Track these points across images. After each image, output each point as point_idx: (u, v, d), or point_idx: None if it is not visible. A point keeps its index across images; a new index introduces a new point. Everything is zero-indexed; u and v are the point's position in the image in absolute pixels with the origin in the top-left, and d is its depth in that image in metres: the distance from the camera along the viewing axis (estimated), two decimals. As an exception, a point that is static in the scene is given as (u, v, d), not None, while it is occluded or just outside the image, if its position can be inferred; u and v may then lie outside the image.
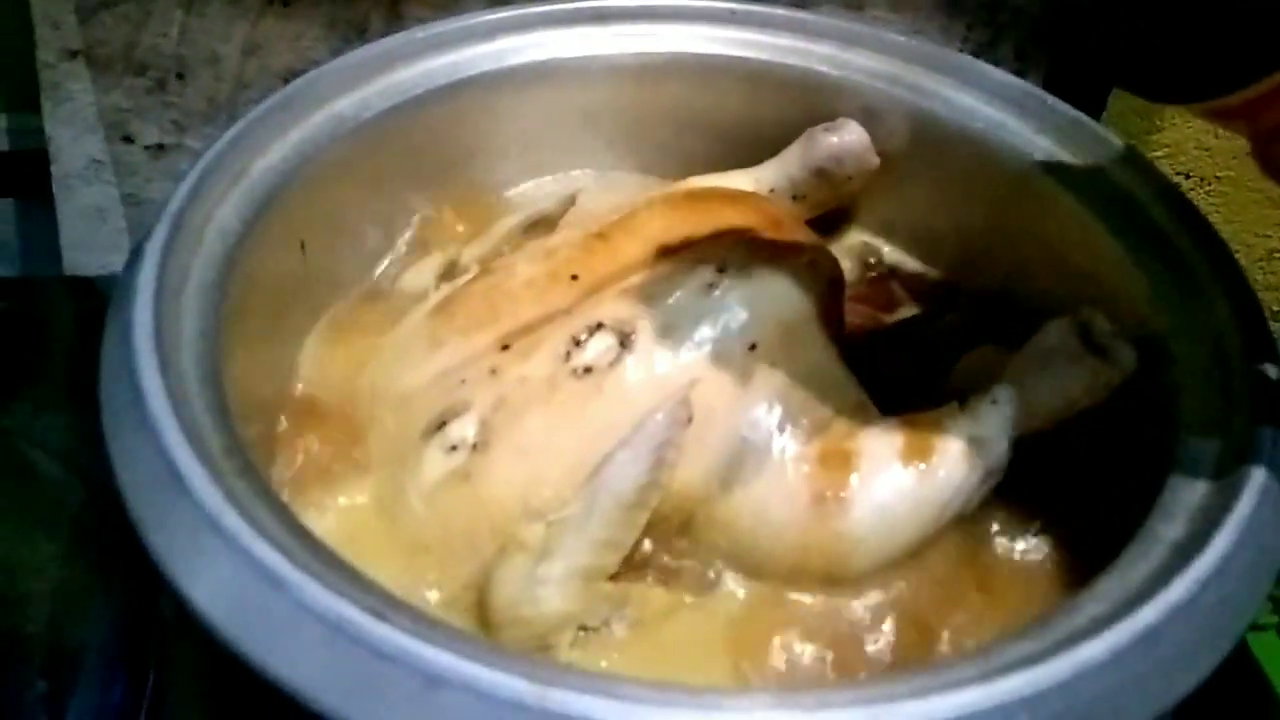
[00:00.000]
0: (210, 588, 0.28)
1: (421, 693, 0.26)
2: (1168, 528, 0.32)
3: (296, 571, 0.28)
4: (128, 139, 0.70)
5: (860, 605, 0.40)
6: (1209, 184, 0.83)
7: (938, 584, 0.40)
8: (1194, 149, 0.81)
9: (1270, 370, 0.37)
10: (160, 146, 0.71)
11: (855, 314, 0.52)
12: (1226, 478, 0.33)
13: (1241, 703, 0.81)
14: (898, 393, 0.47)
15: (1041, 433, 0.42)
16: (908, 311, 0.53)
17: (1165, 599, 0.29)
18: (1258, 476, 0.32)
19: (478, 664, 0.26)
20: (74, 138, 0.70)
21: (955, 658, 0.28)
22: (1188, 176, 0.83)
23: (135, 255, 0.38)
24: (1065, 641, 0.28)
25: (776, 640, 0.39)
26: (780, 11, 0.54)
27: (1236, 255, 0.87)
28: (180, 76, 0.68)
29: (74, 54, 0.67)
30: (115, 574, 0.49)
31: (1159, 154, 0.81)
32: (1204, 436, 0.35)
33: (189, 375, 0.35)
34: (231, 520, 0.29)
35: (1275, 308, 0.91)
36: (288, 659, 0.27)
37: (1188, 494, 0.33)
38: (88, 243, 0.73)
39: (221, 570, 0.29)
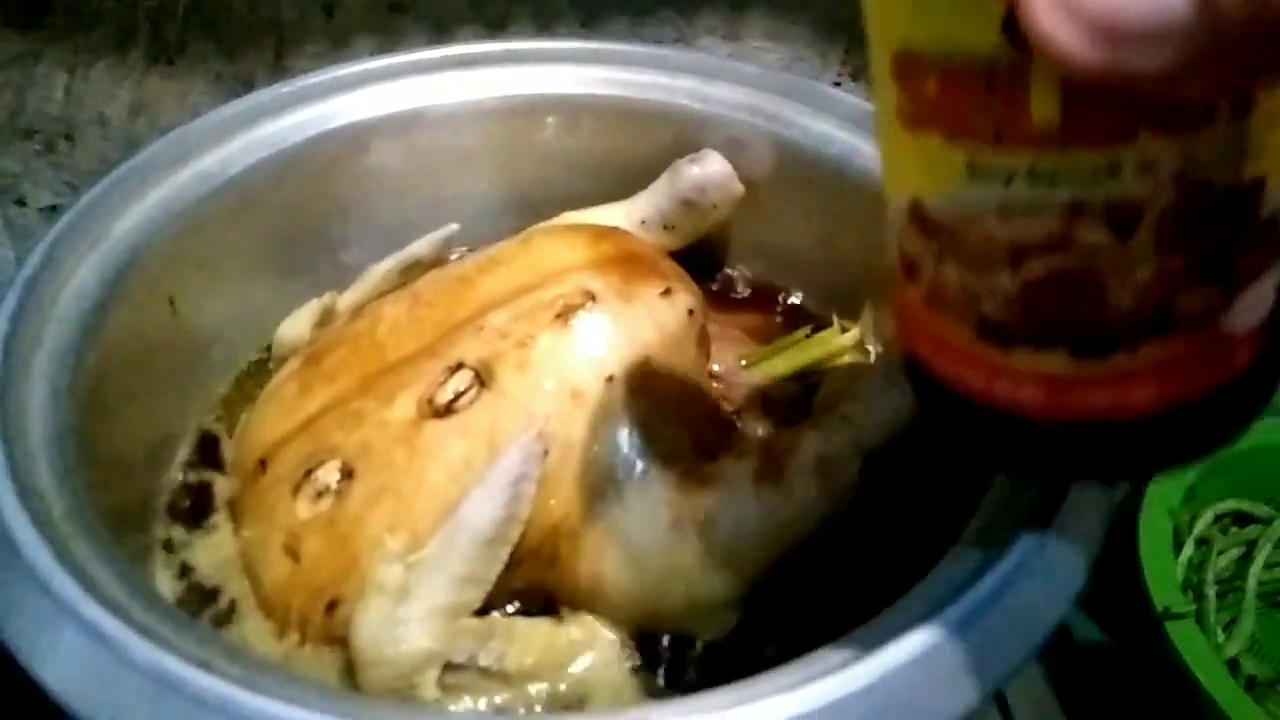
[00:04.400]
0: (41, 647, 0.29)
1: (243, 739, 0.27)
2: (985, 530, 0.34)
3: (123, 628, 0.28)
4: (20, 202, 0.71)
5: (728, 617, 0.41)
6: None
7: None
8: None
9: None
10: (54, 208, 0.71)
11: (728, 339, 0.53)
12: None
13: (1160, 689, 0.83)
14: (767, 414, 0.49)
15: (892, 445, 0.43)
16: (781, 334, 0.54)
17: (972, 597, 0.30)
18: (1067, 479, 0.34)
19: (297, 707, 0.27)
20: (-34, 204, 0.70)
21: (770, 670, 0.29)
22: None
23: (-14, 325, 0.39)
24: (873, 644, 0.29)
25: (649, 668, 0.40)
26: (642, 49, 0.56)
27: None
28: (69, 138, 0.68)
29: (-41, 122, 0.67)
30: None
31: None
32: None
33: (35, 439, 0.35)
34: (61, 581, 0.30)
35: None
36: (113, 713, 0.27)
37: (1006, 498, 0.35)
38: (-14, 308, 0.73)
39: (52, 630, 0.29)
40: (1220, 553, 0.95)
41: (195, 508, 0.45)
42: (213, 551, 0.43)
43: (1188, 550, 0.93)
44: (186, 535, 0.44)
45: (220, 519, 0.44)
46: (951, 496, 0.37)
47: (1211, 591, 0.92)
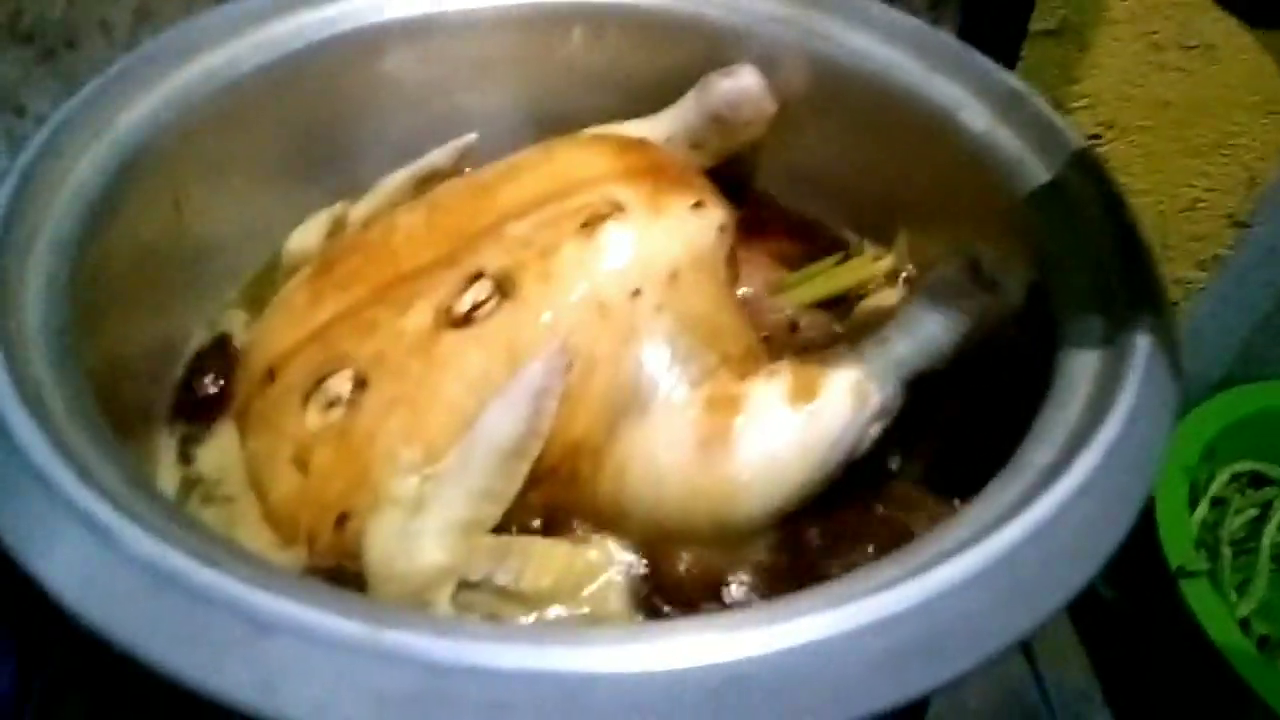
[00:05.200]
0: (37, 540, 0.27)
1: (251, 639, 0.25)
2: (1038, 453, 0.32)
3: (120, 519, 0.27)
4: (19, 111, 0.68)
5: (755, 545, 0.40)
6: (1130, 135, 0.83)
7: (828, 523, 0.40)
8: (1114, 99, 0.81)
9: (1148, 299, 0.36)
10: (54, 118, 0.68)
11: (756, 264, 0.51)
12: (1100, 402, 0.33)
13: (1174, 647, 0.82)
14: (798, 339, 0.47)
15: (935, 371, 0.41)
16: (810, 260, 0.52)
17: (1027, 520, 0.28)
18: (1125, 401, 0.32)
19: (309, 606, 0.25)
20: (-38, 111, 0.68)
21: (811, 587, 0.27)
22: (1110, 127, 0.83)
23: (-19, 213, 0.37)
24: (923, 565, 0.27)
25: (670, 595, 0.39)
26: (673, -43, 0.53)
27: (1160, 206, 0.88)
28: (70, 45, 0.66)
29: (-44, 24, 0.64)
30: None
31: (1079, 104, 0.80)
32: (1079, 364, 0.35)
33: (31, 330, 0.33)
34: (56, 469, 0.28)
35: (1200, 257, 0.92)
36: (111, 609, 0.26)
37: (1060, 420, 0.33)
38: (-16, 220, 0.71)
39: (45, 519, 0.27)
40: (1236, 512, 0.94)
41: (197, 415, 0.44)
42: (216, 459, 0.42)
43: (1202, 509, 0.92)
44: (188, 443, 0.42)
45: (224, 427, 0.42)
46: (1001, 416, 0.35)
47: (1227, 551, 0.91)
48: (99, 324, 0.38)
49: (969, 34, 0.71)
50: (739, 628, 0.25)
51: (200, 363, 0.45)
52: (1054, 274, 0.40)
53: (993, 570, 0.27)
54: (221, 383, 0.44)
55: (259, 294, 0.48)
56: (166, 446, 0.42)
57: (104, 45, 0.66)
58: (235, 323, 0.48)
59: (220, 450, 0.42)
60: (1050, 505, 0.29)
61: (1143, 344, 0.34)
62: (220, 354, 0.45)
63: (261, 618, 0.25)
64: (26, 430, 0.29)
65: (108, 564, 0.26)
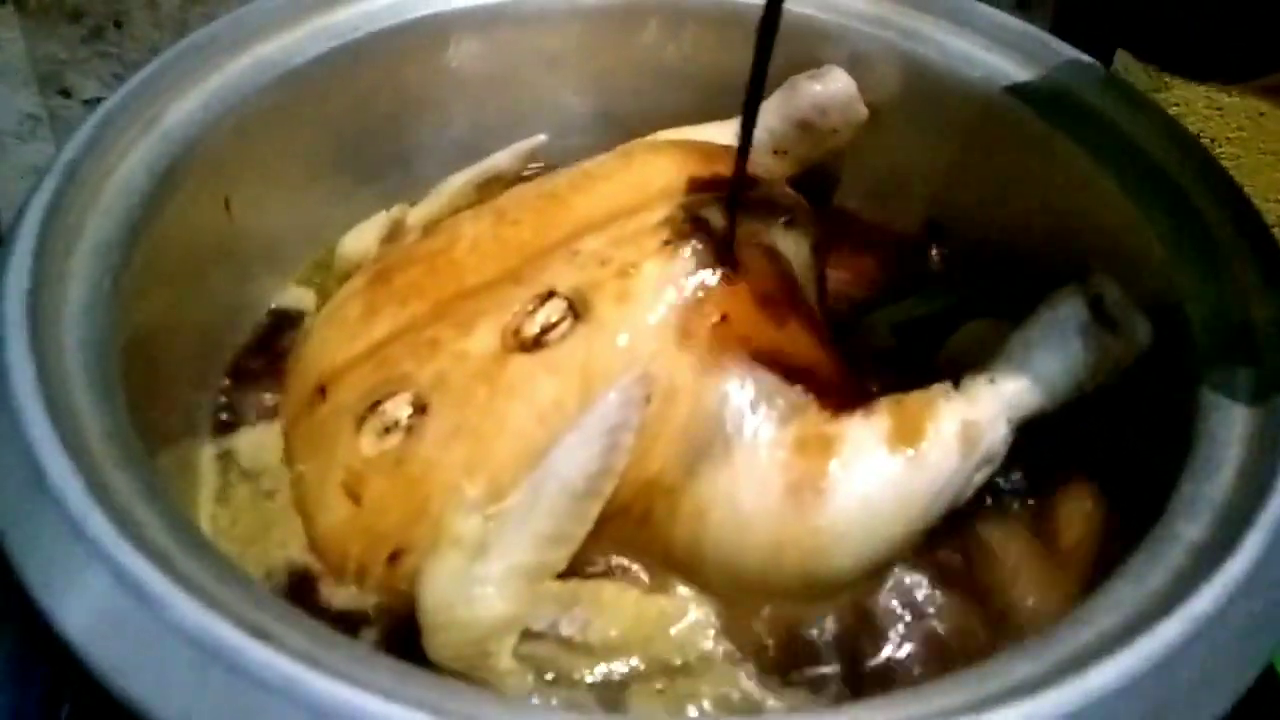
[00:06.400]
0: (69, 597, 0.24)
1: (307, 729, 0.22)
2: (1188, 527, 0.28)
3: (166, 582, 0.24)
4: (65, 93, 0.66)
5: (844, 607, 0.36)
6: (1219, 145, 0.79)
7: (928, 583, 0.36)
8: (1204, 108, 0.77)
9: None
10: (100, 100, 0.66)
11: (841, 283, 0.47)
12: (1257, 469, 0.29)
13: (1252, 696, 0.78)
14: (887, 371, 0.43)
15: (1045, 414, 0.37)
16: (898, 280, 0.48)
17: (1188, 613, 0.25)
18: (1291, 469, 0.28)
19: (370, 693, 0.22)
20: (7, 91, 0.65)
21: (934, 681, 0.24)
22: (1198, 137, 0.78)
23: (20, 212, 0.34)
24: (1070, 663, 0.24)
25: (749, 650, 0.35)
26: (760, -52, 0.50)
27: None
28: (118, 24, 0.63)
29: (2, 0, 0.62)
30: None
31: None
32: (1229, 420, 0.31)
33: (70, 348, 0.30)
34: (95, 520, 0.25)
35: (1287, 277, 0.87)
36: (153, 686, 0.23)
37: (1211, 487, 0.29)
38: (26, 204, 0.69)
39: (82, 578, 0.24)
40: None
41: (243, 406, 0.42)
42: (256, 454, 0.40)
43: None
44: (229, 436, 0.40)
45: (269, 426, 0.40)
46: (1128, 474, 0.31)
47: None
48: (142, 335, 0.35)
49: (1061, 33, 0.67)
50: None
51: (244, 375, 0.43)
52: (1188, 312, 0.36)
53: (1150, 675, 0.24)
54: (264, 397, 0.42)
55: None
56: (208, 440, 0.40)
57: (151, 25, 0.63)
58: (284, 330, 0.45)
59: (262, 447, 0.39)
60: (1213, 596, 0.25)
61: (1304, 400, 0.30)
62: (266, 366, 0.43)
63: (317, 703, 0.22)
64: (61, 469, 0.26)
65: (148, 632, 0.23)
